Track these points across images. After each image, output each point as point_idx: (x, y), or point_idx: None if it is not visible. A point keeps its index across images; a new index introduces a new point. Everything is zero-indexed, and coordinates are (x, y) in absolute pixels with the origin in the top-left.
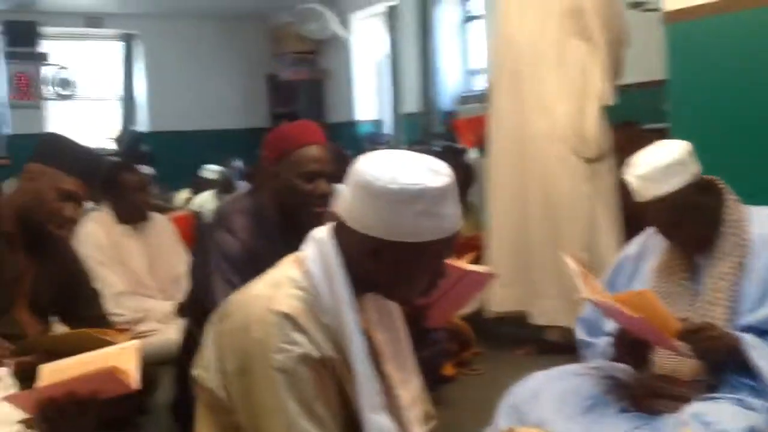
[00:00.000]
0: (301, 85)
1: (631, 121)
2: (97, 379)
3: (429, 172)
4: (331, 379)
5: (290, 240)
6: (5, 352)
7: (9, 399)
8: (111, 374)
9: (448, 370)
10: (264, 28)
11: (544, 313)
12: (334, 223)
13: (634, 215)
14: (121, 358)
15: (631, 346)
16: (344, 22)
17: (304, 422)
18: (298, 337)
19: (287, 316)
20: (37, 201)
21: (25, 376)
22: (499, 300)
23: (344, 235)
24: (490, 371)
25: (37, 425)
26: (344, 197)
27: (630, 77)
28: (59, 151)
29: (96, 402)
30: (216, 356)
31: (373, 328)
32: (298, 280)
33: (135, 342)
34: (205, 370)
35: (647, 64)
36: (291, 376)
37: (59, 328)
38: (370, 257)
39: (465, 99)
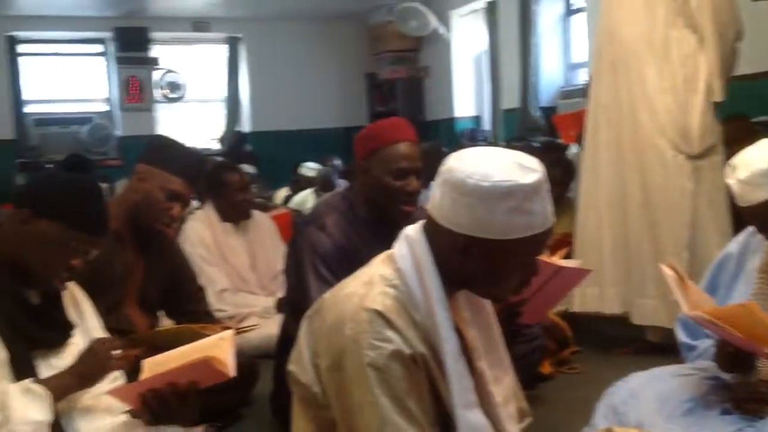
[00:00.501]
0: (399, 83)
1: (742, 114)
2: (194, 369)
3: (520, 168)
4: (423, 375)
5: (381, 237)
6: (116, 346)
7: (112, 393)
8: (207, 364)
9: (546, 368)
10: (363, 28)
11: (644, 314)
12: (425, 221)
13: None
14: (218, 349)
15: (734, 357)
16: (444, 19)
17: (396, 417)
18: (390, 334)
19: (379, 314)
20: (146, 201)
21: (133, 370)
22: (600, 300)
23: (435, 232)
24: (589, 370)
25: (141, 416)
26: (435, 195)
27: (742, 68)
28: (166, 153)
29: (196, 392)
30: (310, 352)
31: (465, 325)
32: (389, 277)
33: (230, 332)
34: (300, 365)
35: (759, 54)
36: (383, 372)
37: (166, 323)
38: (461, 255)
39: (566, 94)
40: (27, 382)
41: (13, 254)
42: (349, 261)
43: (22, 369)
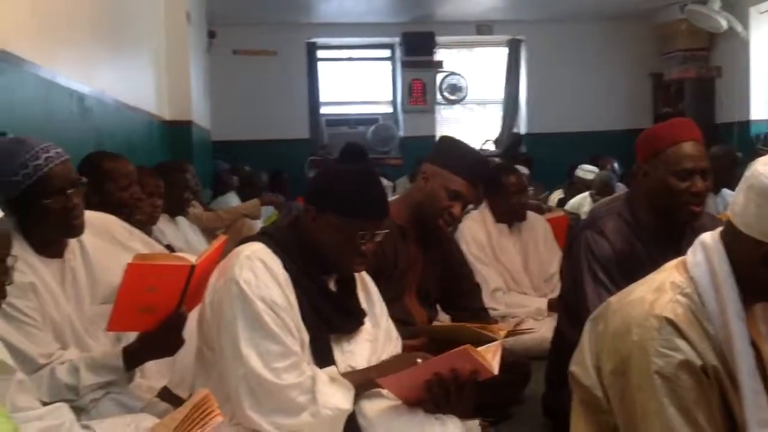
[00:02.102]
0: (688, 84)
1: None
2: (455, 359)
3: None
4: (713, 389)
5: (663, 244)
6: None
7: (382, 382)
8: (467, 355)
9: None
10: (650, 27)
11: None
12: (723, 228)
13: None
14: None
15: None
16: (741, 17)
17: (684, 429)
18: (680, 343)
19: (670, 322)
20: (430, 200)
21: None
22: None
23: (735, 240)
24: None
25: (419, 405)
26: (737, 201)
27: None
28: (452, 155)
29: (473, 385)
30: (593, 355)
31: (762, 340)
32: (682, 285)
33: (496, 343)
34: (582, 367)
35: None
36: (671, 381)
37: (442, 318)
38: (764, 265)
39: None
40: (333, 372)
41: (313, 245)
42: (628, 267)
43: (321, 353)
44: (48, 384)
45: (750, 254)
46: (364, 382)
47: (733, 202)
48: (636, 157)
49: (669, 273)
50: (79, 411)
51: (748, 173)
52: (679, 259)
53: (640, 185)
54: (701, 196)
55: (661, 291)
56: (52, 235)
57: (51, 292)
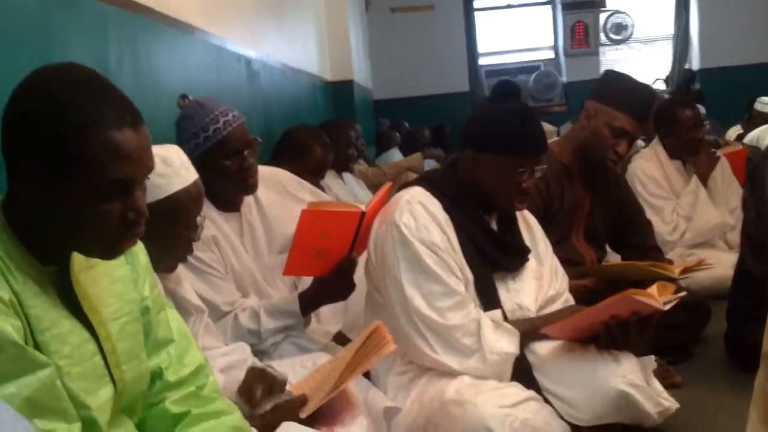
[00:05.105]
0: None
1: None
2: (618, 305)
3: None
4: None
5: None
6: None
7: (547, 331)
8: (630, 299)
9: None
10: None
11: None
12: None
13: None
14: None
15: None
16: None
17: None
18: None
19: None
20: (594, 138)
21: (585, 299)
22: None
23: None
24: None
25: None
26: None
27: None
28: (615, 91)
29: (651, 322)
30: None
31: None
32: None
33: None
34: None
35: None
36: None
37: (611, 259)
38: None
39: None
40: (498, 316)
41: (473, 186)
42: None
43: (487, 292)
44: (232, 329)
45: None
46: (529, 331)
47: None
48: None
49: None
50: (261, 354)
51: None
52: None
53: None
54: None
55: None
56: (230, 193)
57: (231, 245)
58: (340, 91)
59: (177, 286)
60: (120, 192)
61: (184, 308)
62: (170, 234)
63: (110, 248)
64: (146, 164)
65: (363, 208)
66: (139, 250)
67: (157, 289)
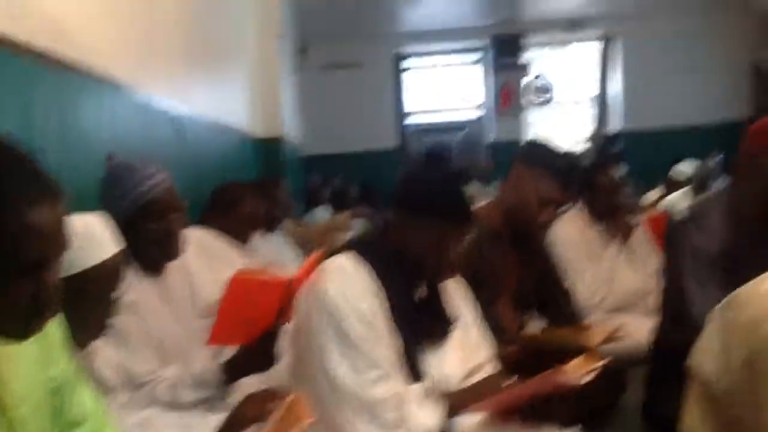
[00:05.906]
0: None
1: None
2: (546, 383)
3: None
4: None
5: None
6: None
7: (473, 406)
8: (555, 380)
9: None
10: (748, 15)
11: None
12: None
13: None
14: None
15: None
16: None
17: None
18: None
19: None
20: (522, 203)
21: (509, 367)
22: None
23: None
24: None
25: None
26: None
27: None
28: (541, 157)
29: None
30: (719, 348)
31: None
32: None
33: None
34: (703, 361)
35: None
36: None
37: (532, 325)
38: None
39: None
40: (423, 390)
41: (401, 252)
42: (734, 263)
43: (413, 362)
44: (149, 403)
45: None
46: (455, 404)
47: None
48: (745, 150)
49: None
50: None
51: None
52: None
53: (746, 179)
54: None
55: None
56: (154, 257)
57: (153, 310)
58: (269, 148)
59: (91, 362)
60: (33, 271)
61: (99, 384)
62: (81, 309)
63: (22, 328)
64: (61, 243)
65: (290, 276)
66: (53, 324)
67: (73, 362)
